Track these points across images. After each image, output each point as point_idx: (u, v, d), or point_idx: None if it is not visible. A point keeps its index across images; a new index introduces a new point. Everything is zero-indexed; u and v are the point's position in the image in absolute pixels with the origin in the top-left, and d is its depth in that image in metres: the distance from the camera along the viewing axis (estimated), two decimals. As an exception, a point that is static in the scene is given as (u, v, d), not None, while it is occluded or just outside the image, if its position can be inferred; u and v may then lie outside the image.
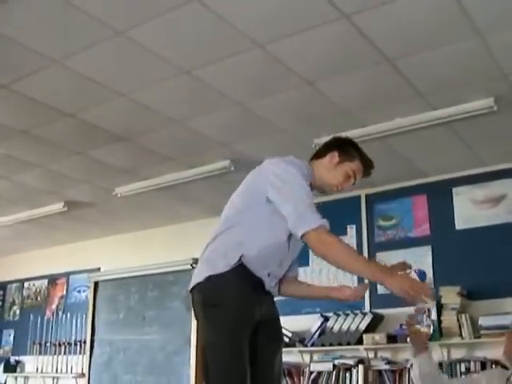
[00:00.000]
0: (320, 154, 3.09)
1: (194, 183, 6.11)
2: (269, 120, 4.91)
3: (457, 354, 5.49)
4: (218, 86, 4.37)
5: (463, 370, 5.34)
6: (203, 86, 4.36)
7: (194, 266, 6.30)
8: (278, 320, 3.00)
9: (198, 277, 2.79)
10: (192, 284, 2.82)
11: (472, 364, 5.27)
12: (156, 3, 3.45)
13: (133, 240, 8.00)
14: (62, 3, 3.41)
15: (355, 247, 6.31)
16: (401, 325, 5.72)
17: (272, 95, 4.52)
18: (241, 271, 2.71)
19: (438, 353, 5.50)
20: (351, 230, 6.40)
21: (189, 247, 5.68)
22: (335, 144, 3.11)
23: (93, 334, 8.15)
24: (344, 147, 3.07)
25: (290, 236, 2.76)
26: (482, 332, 5.34)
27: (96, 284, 8.30)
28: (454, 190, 6.01)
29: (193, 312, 2.85)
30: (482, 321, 5.37)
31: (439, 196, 6.08)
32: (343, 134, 4.94)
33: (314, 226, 2.63)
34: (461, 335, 5.44)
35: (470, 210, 5.91)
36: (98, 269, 8.34)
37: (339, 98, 4.58)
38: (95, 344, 8.10)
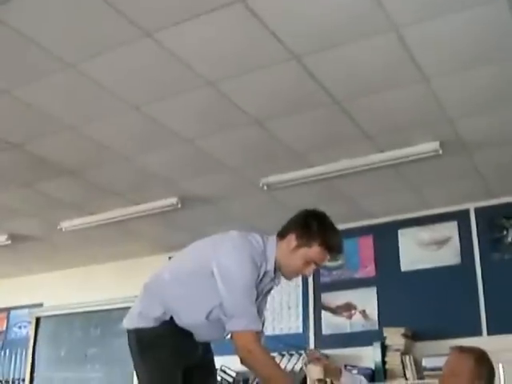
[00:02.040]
0: (282, 233, 2.87)
1: (141, 219, 6.04)
2: (218, 158, 4.91)
3: (401, 395, 5.51)
4: (167, 122, 4.37)
5: (407, 412, 5.36)
6: (152, 123, 4.35)
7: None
8: (213, 364, 3.05)
9: (132, 322, 2.82)
10: (128, 325, 2.85)
11: (416, 406, 5.29)
12: (108, 38, 3.44)
13: (77, 275, 7.83)
14: (14, 34, 3.37)
15: (300, 287, 6.36)
16: (345, 366, 5.72)
17: (221, 133, 4.54)
18: (173, 324, 2.76)
19: (382, 394, 5.53)
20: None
21: (134, 284, 5.56)
22: (297, 224, 2.85)
23: (32, 371, 7.92)
24: (305, 229, 2.80)
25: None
26: (426, 373, 5.38)
27: (38, 320, 8.10)
28: (400, 231, 6.08)
29: (130, 351, 2.86)
30: (426, 362, 5.42)
31: (385, 237, 6.15)
32: (290, 175, 5.09)
33: (244, 330, 2.64)
34: (405, 376, 5.46)
35: (415, 252, 5.98)
36: (41, 304, 8.15)
37: (288, 138, 4.62)
38: (35, 382, 7.88)
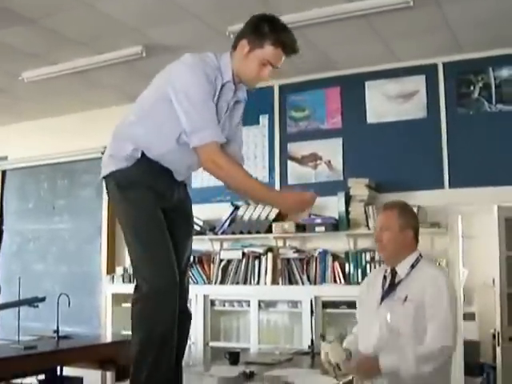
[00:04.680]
0: (235, 43, 2.84)
1: (105, 69, 5.90)
2: (182, 5, 4.74)
3: (363, 243, 5.69)
4: (129, -34, 4.18)
5: (368, 259, 5.55)
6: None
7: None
8: (190, 207, 3.03)
9: (107, 168, 2.80)
10: (103, 173, 2.83)
11: (376, 253, 5.42)
12: None
13: (42, 127, 7.74)
14: None
15: (267, 137, 6.38)
16: (310, 214, 5.85)
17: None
18: (147, 160, 2.73)
19: (344, 242, 5.71)
20: (264, 119, 6.40)
21: (100, 135, 5.53)
22: (247, 29, 2.81)
23: (1, 224, 8.00)
24: (255, 31, 2.75)
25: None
26: (387, 223, 5.53)
27: (3, 173, 8.09)
28: (367, 83, 6.05)
29: (109, 198, 2.87)
30: (387, 212, 5.56)
31: (352, 89, 6.13)
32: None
33: (206, 142, 2.62)
34: (367, 226, 5.62)
35: (381, 105, 6.00)
36: (5, 157, 8.09)
37: (255, -16, 4.47)
38: (4, 234, 7.97)
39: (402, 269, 3.32)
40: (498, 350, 5.43)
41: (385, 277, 3.39)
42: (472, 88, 5.67)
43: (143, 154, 2.71)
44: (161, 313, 2.59)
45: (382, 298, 3.32)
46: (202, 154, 2.65)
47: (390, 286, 3.32)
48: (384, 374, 3.13)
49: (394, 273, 3.35)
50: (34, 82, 6.20)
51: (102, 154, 6.08)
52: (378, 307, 3.31)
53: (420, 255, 3.38)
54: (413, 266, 3.30)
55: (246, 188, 2.74)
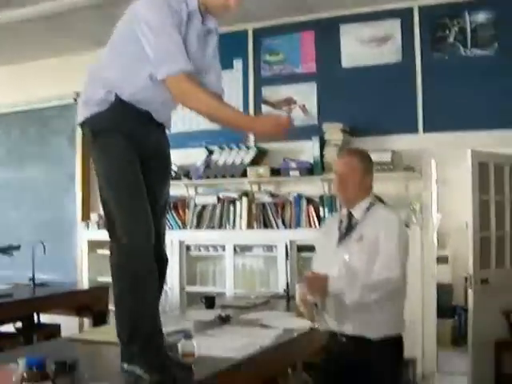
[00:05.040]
0: None
1: (77, 13, 5.75)
2: None
3: (337, 187, 5.70)
4: None
5: (342, 203, 5.57)
6: None
7: (76, 100, 6.14)
8: (169, 152, 2.97)
9: (81, 115, 2.72)
10: (79, 120, 2.75)
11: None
12: None
13: (11, 74, 7.59)
14: None
15: (241, 81, 6.35)
16: (284, 159, 5.87)
17: None
18: (120, 103, 2.64)
19: (319, 186, 5.73)
20: (238, 63, 6.35)
21: (72, 81, 5.50)
22: None
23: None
24: None
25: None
26: (362, 167, 5.56)
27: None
28: (342, 27, 5.99)
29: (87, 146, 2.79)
30: (362, 157, 5.58)
31: (327, 33, 6.05)
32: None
33: (173, 72, 2.54)
34: (341, 170, 5.63)
35: (356, 49, 5.94)
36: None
37: None
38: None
39: (357, 212, 3.54)
40: (470, 292, 5.52)
41: (341, 221, 3.61)
42: (447, 32, 5.63)
43: (117, 97, 2.66)
44: (139, 263, 2.52)
45: (340, 240, 3.54)
46: (169, 85, 2.58)
47: (347, 229, 3.55)
48: (332, 296, 3.38)
49: (350, 216, 3.57)
50: (1, 26, 6.04)
51: (75, 100, 6.02)
52: (336, 249, 3.53)
53: (374, 199, 3.61)
54: (368, 209, 3.53)
55: (219, 114, 2.63)
